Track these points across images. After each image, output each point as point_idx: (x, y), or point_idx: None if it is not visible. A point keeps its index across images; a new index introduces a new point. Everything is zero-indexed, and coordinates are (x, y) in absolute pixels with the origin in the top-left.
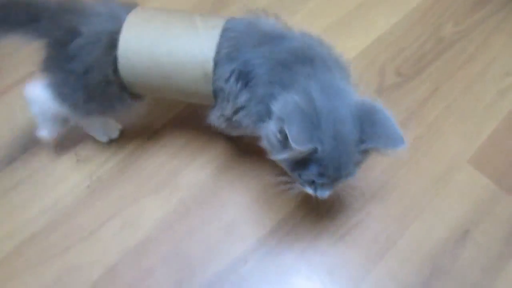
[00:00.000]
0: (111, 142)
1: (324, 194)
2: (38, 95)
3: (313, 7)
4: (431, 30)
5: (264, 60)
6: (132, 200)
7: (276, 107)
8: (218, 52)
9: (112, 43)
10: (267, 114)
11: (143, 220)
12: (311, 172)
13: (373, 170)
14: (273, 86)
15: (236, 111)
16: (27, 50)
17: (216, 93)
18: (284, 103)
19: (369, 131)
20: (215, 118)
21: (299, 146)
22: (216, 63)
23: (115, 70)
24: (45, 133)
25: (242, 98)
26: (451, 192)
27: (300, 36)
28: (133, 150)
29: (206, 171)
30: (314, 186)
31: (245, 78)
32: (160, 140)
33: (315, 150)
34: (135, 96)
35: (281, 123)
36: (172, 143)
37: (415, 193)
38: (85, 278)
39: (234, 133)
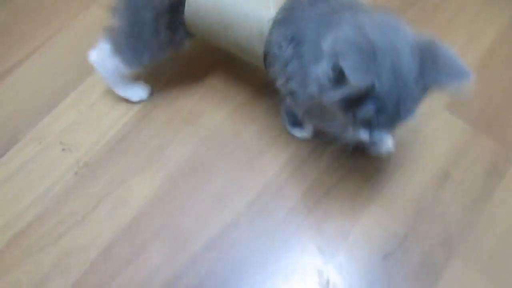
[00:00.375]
0: (101, 123)
1: (380, 137)
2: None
3: None
4: None
5: (314, 23)
6: (120, 181)
7: (327, 44)
8: (276, 16)
9: None
10: (315, 59)
11: (133, 199)
12: (369, 108)
13: None
14: (320, 34)
15: (288, 79)
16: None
17: (267, 57)
18: (335, 39)
19: (430, 66)
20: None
21: (357, 81)
22: (273, 26)
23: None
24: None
25: (292, 65)
26: (429, 138)
27: None
28: (116, 132)
29: (190, 144)
30: (370, 129)
31: (296, 43)
32: (142, 118)
33: (372, 86)
34: (187, 35)
35: (334, 59)
36: (154, 120)
37: (394, 144)
38: (84, 259)
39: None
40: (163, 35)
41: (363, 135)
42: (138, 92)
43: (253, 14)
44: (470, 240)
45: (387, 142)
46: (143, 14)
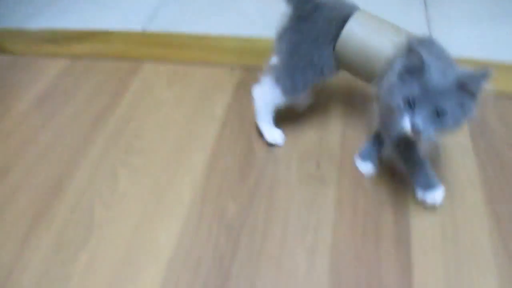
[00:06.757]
0: None
1: (419, 126)
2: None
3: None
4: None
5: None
6: None
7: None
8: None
9: (341, 25)
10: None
11: None
12: (414, 87)
13: None
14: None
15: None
16: None
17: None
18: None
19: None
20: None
21: (415, 50)
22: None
23: (333, 44)
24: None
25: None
26: None
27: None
28: None
29: None
30: (411, 115)
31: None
32: None
33: (423, 63)
34: (334, 67)
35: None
36: None
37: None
38: None
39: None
40: (319, 66)
41: (405, 123)
42: (276, 136)
43: (385, 54)
44: None
45: (437, 194)
46: (305, 47)
